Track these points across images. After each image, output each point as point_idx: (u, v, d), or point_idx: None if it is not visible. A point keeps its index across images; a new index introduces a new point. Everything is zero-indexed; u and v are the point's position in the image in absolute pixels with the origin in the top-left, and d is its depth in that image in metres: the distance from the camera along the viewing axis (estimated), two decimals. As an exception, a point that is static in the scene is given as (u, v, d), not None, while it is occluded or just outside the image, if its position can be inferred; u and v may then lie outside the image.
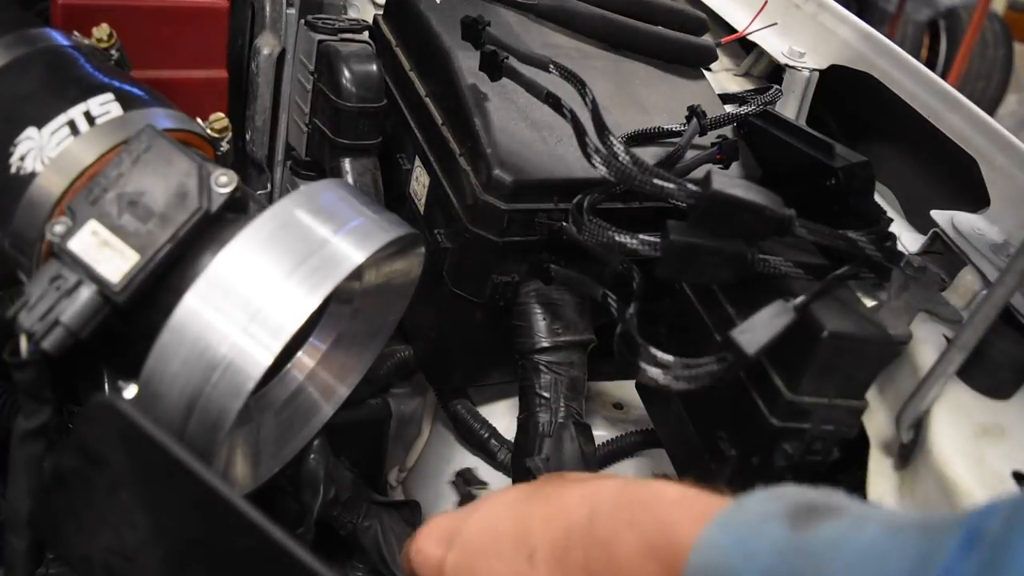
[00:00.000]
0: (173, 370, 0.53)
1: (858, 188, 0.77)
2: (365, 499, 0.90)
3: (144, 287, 0.56)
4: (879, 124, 1.05)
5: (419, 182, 0.87)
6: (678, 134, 0.82)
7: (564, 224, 0.73)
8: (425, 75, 0.88)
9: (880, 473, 0.67)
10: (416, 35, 0.89)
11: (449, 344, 0.87)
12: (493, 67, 0.78)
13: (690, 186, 0.64)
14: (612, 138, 0.67)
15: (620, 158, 0.66)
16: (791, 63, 1.06)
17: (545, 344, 0.78)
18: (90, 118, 0.62)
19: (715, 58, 0.99)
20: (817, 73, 1.06)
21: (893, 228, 0.76)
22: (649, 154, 0.77)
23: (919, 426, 0.66)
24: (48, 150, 0.61)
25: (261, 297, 0.52)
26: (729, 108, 0.88)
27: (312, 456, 0.85)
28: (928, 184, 0.98)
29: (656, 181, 0.65)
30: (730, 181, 0.63)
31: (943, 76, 3.06)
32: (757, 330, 0.61)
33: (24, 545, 0.61)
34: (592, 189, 0.72)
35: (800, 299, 0.62)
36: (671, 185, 0.64)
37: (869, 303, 0.72)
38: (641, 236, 0.65)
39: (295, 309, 0.52)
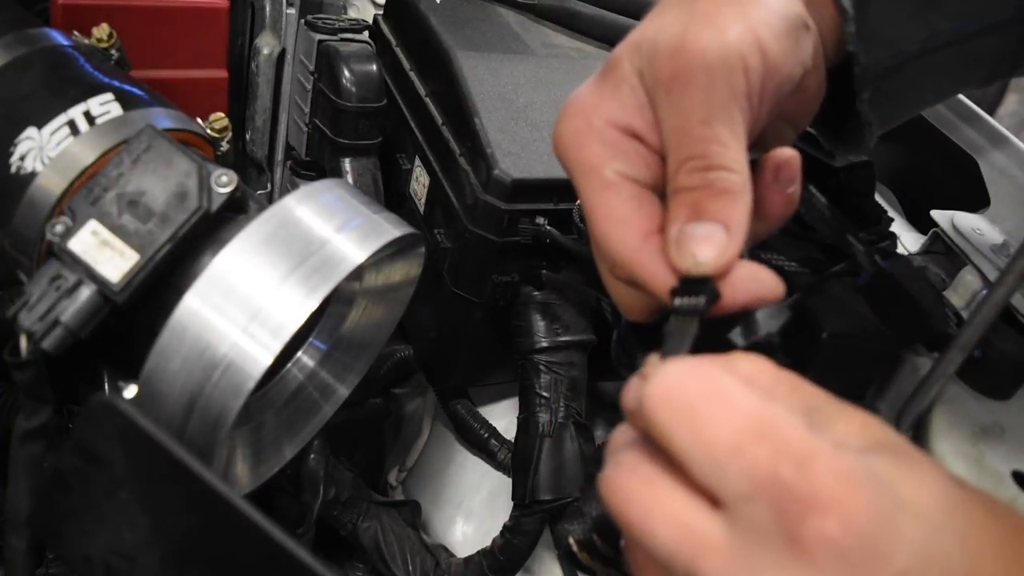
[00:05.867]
0: (173, 370, 0.53)
1: (858, 188, 0.77)
2: (365, 499, 0.90)
3: (144, 287, 0.55)
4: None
5: (419, 182, 0.87)
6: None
7: (550, 228, 0.74)
8: (425, 75, 0.88)
9: (880, 473, 0.66)
10: (416, 35, 0.89)
11: (449, 344, 0.87)
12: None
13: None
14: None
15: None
16: (791, 63, 1.06)
17: (545, 344, 0.78)
18: (90, 118, 0.62)
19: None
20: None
21: (893, 228, 0.76)
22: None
23: (919, 426, 0.66)
24: (48, 150, 0.61)
25: (261, 297, 0.52)
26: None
27: (312, 456, 0.85)
28: (928, 184, 0.98)
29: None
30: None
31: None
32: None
33: (24, 545, 0.61)
34: None
35: (794, 297, 0.62)
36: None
37: (869, 303, 0.72)
38: None
39: (295, 309, 0.52)
